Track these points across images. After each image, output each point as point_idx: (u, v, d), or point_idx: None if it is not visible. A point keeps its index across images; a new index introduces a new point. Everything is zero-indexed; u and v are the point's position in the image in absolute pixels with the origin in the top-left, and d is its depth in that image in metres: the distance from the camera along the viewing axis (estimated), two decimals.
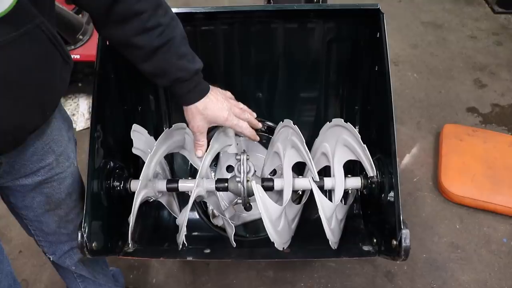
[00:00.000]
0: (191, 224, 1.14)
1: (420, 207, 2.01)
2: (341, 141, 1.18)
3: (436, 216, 1.97)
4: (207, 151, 1.19)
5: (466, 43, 2.98)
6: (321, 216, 1.06)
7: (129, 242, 1.16)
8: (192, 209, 1.12)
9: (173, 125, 1.24)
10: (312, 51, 1.42)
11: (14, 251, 1.90)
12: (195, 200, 1.17)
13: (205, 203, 1.52)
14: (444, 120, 2.39)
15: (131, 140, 1.19)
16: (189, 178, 1.24)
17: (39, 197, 1.02)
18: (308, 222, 1.39)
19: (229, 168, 1.52)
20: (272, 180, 1.18)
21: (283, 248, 1.14)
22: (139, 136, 1.23)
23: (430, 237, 1.89)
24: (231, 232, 1.17)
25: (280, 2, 1.96)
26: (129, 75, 1.35)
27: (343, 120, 1.18)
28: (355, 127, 1.15)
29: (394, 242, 1.00)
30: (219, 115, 1.07)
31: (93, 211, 1.03)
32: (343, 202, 1.27)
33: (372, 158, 1.11)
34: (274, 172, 1.44)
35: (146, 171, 1.12)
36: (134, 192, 1.12)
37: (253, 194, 1.10)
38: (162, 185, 1.19)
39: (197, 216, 1.51)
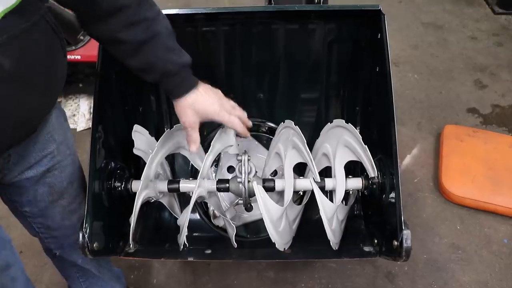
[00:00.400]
0: (192, 225, 1.14)
1: (420, 208, 2.01)
2: (342, 142, 1.18)
3: (437, 217, 1.97)
4: (208, 151, 1.19)
5: (467, 44, 2.98)
6: (322, 217, 1.06)
7: (130, 242, 1.16)
8: (193, 210, 1.12)
9: (174, 126, 1.24)
10: (313, 52, 1.42)
11: None
12: (196, 201, 1.17)
13: (206, 203, 1.52)
14: (444, 121, 2.39)
15: (132, 141, 1.20)
16: (190, 178, 1.24)
17: (42, 189, 1.02)
18: (309, 222, 1.40)
19: (230, 169, 1.52)
20: (273, 181, 1.18)
21: (284, 248, 1.14)
22: (140, 136, 1.23)
23: (431, 238, 1.89)
24: (232, 232, 1.17)
25: (281, 3, 1.96)
26: (130, 75, 1.34)
27: (344, 121, 1.18)
28: (356, 128, 1.15)
29: (395, 243, 1.00)
30: (209, 109, 1.05)
31: (94, 211, 1.04)
32: (344, 203, 1.27)
33: (373, 159, 1.11)
34: (275, 173, 1.44)
35: (147, 171, 1.12)
36: (135, 193, 1.12)
37: (254, 195, 1.10)
38: (163, 185, 1.19)
39: (198, 217, 1.51)
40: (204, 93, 1.04)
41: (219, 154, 1.38)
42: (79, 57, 2.26)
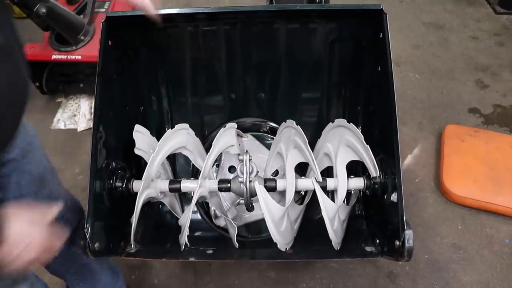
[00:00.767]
0: (193, 225, 1.14)
1: (422, 208, 2.01)
2: (344, 142, 1.18)
3: (438, 217, 1.97)
4: (210, 151, 1.19)
5: (468, 44, 2.97)
6: (324, 217, 1.06)
7: (132, 242, 1.16)
8: (194, 210, 1.12)
9: (175, 126, 1.24)
10: (314, 52, 1.41)
11: None
12: (197, 201, 1.17)
13: (207, 203, 1.52)
14: (446, 120, 2.39)
15: (133, 141, 1.19)
16: (192, 178, 1.24)
17: (27, 177, 0.99)
18: (310, 222, 1.39)
19: (231, 169, 1.52)
20: (275, 181, 1.17)
21: (286, 248, 1.14)
22: (141, 136, 1.23)
23: (432, 238, 1.89)
24: (233, 232, 1.17)
25: (282, 2, 1.95)
26: (131, 75, 1.35)
27: (345, 120, 1.18)
28: (357, 128, 1.15)
29: (397, 243, 1.00)
30: None
31: (95, 211, 1.03)
32: (345, 203, 1.27)
33: (375, 159, 1.11)
34: (276, 173, 1.44)
35: (149, 171, 1.12)
36: (136, 193, 1.12)
37: (256, 195, 1.10)
38: (164, 185, 1.19)
39: (200, 217, 1.51)
40: None
41: (220, 154, 1.38)
42: (79, 57, 2.25)
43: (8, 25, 0.81)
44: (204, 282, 1.77)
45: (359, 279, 1.76)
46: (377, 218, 1.24)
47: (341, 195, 1.15)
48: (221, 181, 1.18)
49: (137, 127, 1.22)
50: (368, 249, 1.18)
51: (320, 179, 1.14)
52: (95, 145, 1.07)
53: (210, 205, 1.48)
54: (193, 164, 1.40)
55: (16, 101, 0.84)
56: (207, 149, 1.23)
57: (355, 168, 1.34)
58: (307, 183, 1.16)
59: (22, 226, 0.79)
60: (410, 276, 1.76)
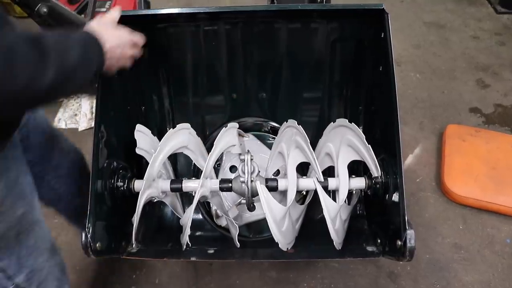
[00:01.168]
0: (194, 225, 1.14)
1: (423, 207, 2.01)
2: (345, 142, 1.18)
3: (439, 217, 1.97)
4: (211, 151, 1.19)
5: (469, 44, 2.97)
6: (325, 217, 1.06)
7: (133, 242, 1.16)
8: (195, 210, 1.12)
9: (177, 126, 1.24)
10: (315, 51, 1.41)
11: None
12: (198, 200, 1.17)
13: (208, 203, 1.52)
14: (447, 120, 2.39)
15: (135, 140, 1.19)
16: (193, 178, 1.24)
17: (41, 137, 1.12)
18: (312, 222, 1.39)
19: (233, 169, 1.52)
20: (276, 180, 1.17)
21: (287, 248, 1.14)
22: (142, 136, 1.23)
23: (433, 237, 1.89)
24: (235, 232, 1.17)
25: (283, 2, 1.95)
26: (133, 75, 1.35)
27: (347, 120, 1.18)
28: (359, 127, 1.15)
29: (399, 243, 1.00)
30: None
31: (97, 211, 1.04)
32: (347, 203, 1.27)
33: (376, 159, 1.11)
34: (277, 172, 1.44)
35: (150, 171, 1.12)
36: (137, 192, 1.12)
37: (257, 195, 1.10)
38: (166, 185, 1.19)
39: (201, 217, 1.51)
40: None
41: (221, 153, 1.37)
42: None
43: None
44: (205, 282, 1.76)
45: (360, 278, 1.76)
46: (379, 218, 1.24)
47: (342, 195, 1.15)
48: (222, 181, 1.18)
49: (139, 126, 1.22)
50: (369, 249, 1.18)
51: (322, 179, 1.14)
52: (97, 144, 1.07)
53: (211, 204, 1.48)
54: (194, 164, 1.40)
55: None
56: (209, 149, 1.23)
57: (357, 168, 1.34)
58: (309, 183, 1.15)
59: (112, 32, 0.93)
60: (411, 276, 1.76)
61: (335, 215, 1.11)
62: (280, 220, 1.11)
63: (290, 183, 1.15)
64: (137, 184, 1.18)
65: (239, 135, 1.43)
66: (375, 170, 1.12)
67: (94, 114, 1.09)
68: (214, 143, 1.20)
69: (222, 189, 1.18)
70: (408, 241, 0.97)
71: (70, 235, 1.85)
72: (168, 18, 1.25)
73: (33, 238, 1.00)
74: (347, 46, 1.39)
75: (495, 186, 1.96)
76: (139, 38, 1.04)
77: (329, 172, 1.27)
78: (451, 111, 2.47)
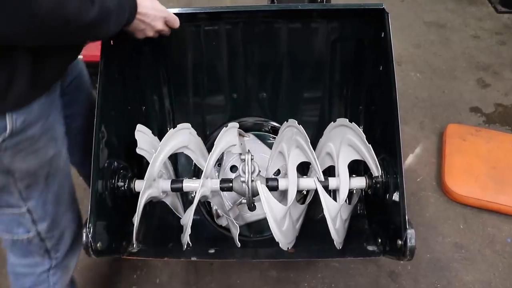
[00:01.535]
0: (195, 224, 1.14)
1: (423, 207, 2.01)
2: (345, 141, 1.18)
3: (440, 216, 1.97)
4: (212, 151, 1.19)
5: (469, 43, 2.97)
6: (326, 216, 1.06)
7: (133, 242, 1.16)
8: (196, 209, 1.12)
9: (177, 125, 1.24)
10: (316, 51, 1.41)
11: None
12: (199, 200, 1.17)
13: (209, 203, 1.52)
14: (447, 120, 2.39)
15: (135, 140, 1.19)
16: (193, 178, 1.24)
17: (82, 96, 1.24)
18: (312, 222, 1.39)
19: (233, 168, 1.52)
20: (277, 180, 1.17)
21: (288, 248, 1.14)
22: (143, 136, 1.23)
23: (434, 237, 1.89)
24: (235, 232, 1.17)
25: (283, 2, 1.95)
26: (133, 75, 1.35)
27: (347, 120, 1.18)
28: (359, 127, 1.15)
29: (399, 242, 1.00)
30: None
31: (97, 211, 1.04)
32: (347, 202, 1.27)
33: (376, 158, 1.11)
34: (278, 172, 1.44)
35: (151, 171, 1.12)
36: (138, 192, 1.12)
37: (258, 194, 1.10)
38: (166, 185, 1.19)
39: (201, 216, 1.51)
40: None
41: (222, 153, 1.38)
42: (81, 57, 2.25)
43: None
44: (205, 282, 1.77)
45: (361, 278, 1.76)
46: (379, 217, 1.25)
47: (343, 195, 1.15)
48: (223, 181, 1.18)
49: (139, 126, 1.22)
50: (370, 248, 1.18)
51: (322, 178, 1.14)
52: (97, 144, 1.07)
53: (212, 204, 1.48)
54: (195, 163, 1.40)
55: None
56: (209, 149, 1.23)
57: (357, 168, 1.34)
58: (309, 182, 1.16)
59: (150, 2, 1.03)
60: (412, 276, 1.76)
61: (335, 214, 1.11)
62: (281, 220, 1.11)
63: (291, 182, 1.15)
64: (138, 184, 1.18)
65: (240, 134, 1.43)
66: (376, 170, 1.12)
67: (95, 114, 1.09)
68: (215, 143, 1.20)
69: (222, 189, 1.18)
70: (408, 240, 0.97)
71: None
72: None
73: (57, 184, 1.08)
74: (347, 45, 1.39)
75: (495, 185, 1.96)
76: (173, 18, 1.12)
77: (329, 171, 1.27)
78: (451, 111, 2.47)
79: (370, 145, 1.10)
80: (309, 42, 1.39)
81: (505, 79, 2.67)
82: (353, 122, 1.16)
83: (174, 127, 1.25)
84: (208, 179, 1.17)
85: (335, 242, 1.12)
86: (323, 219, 1.07)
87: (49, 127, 0.98)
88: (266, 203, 1.06)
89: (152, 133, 1.29)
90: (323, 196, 1.07)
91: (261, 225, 1.49)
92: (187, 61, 1.43)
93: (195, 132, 1.32)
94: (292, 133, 1.24)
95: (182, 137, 1.25)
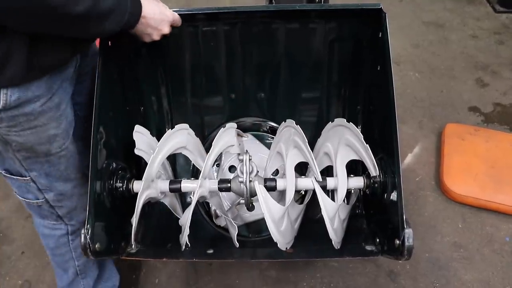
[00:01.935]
0: (193, 225, 1.14)
1: (422, 206, 2.01)
2: (343, 141, 1.18)
3: (439, 216, 1.97)
4: (210, 151, 1.19)
5: (468, 43, 2.97)
6: (323, 216, 1.06)
7: (132, 243, 1.16)
8: (194, 210, 1.12)
9: (175, 126, 1.24)
10: (314, 51, 1.42)
11: (17, 252, 1.90)
12: (197, 201, 1.17)
13: (207, 203, 1.52)
14: (446, 119, 2.39)
15: (134, 141, 1.20)
16: (192, 178, 1.24)
17: (91, 85, 1.19)
18: (310, 222, 1.39)
19: (231, 168, 1.52)
20: (275, 180, 1.18)
21: (286, 248, 1.14)
22: (141, 137, 1.23)
23: (433, 236, 1.89)
24: (234, 232, 1.17)
25: (281, 2, 1.95)
26: (132, 75, 1.35)
27: (345, 120, 1.18)
28: (357, 127, 1.15)
29: (397, 242, 1.00)
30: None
31: (96, 212, 1.04)
32: (345, 202, 1.27)
33: (374, 158, 1.11)
34: (276, 172, 1.44)
35: (149, 171, 1.12)
36: (136, 193, 1.12)
37: (256, 195, 1.10)
38: (165, 185, 1.19)
39: (200, 217, 1.51)
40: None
41: (220, 153, 1.38)
42: None
43: None
44: (204, 282, 1.77)
45: (360, 277, 1.76)
46: (377, 217, 1.25)
47: (341, 195, 1.15)
48: (221, 181, 1.18)
49: (137, 127, 1.22)
50: (368, 248, 1.18)
51: (320, 178, 1.14)
52: (95, 145, 1.07)
53: (210, 204, 1.48)
54: (193, 164, 1.40)
55: None
56: (207, 149, 1.23)
57: (355, 167, 1.34)
58: (307, 182, 1.16)
59: (154, 6, 1.04)
60: (411, 275, 1.76)
61: (333, 214, 1.11)
62: (279, 220, 1.11)
63: (289, 183, 1.15)
64: (136, 185, 1.18)
65: (238, 135, 1.43)
66: (373, 170, 1.12)
67: (93, 115, 1.09)
68: (213, 143, 1.21)
69: (221, 190, 1.18)
70: (406, 240, 0.97)
71: None
72: None
73: (64, 164, 1.12)
74: (345, 46, 1.39)
75: (494, 184, 1.96)
76: (178, 20, 1.15)
77: (327, 171, 1.28)
78: (450, 110, 2.47)
79: (367, 145, 1.10)
80: (307, 42, 1.39)
81: (504, 79, 2.67)
82: (351, 122, 1.16)
83: (173, 127, 1.25)
84: (206, 180, 1.17)
85: (333, 242, 1.12)
86: (322, 219, 1.07)
87: (51, 107, 0.98)
88: (264, 204, 1.06)
89: (151, 133, 1.29)
90: (321, 196, 1.08)
91: (260, 225, 1.49)
92: (185, 61, 1.43)
93: (193, 133, 1.32)
94: (290, 133, 1.24)
95: (180, 137, 1.26)
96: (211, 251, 1.20)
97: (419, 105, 2.52)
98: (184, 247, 1.15)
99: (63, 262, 1.37)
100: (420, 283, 1.74)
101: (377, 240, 1.18)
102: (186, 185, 1.19)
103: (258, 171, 1.18)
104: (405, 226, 0.97)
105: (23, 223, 2.00)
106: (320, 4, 1.92)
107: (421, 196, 2.05)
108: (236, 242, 1.17)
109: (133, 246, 1.18)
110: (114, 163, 1.17)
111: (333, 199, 1.17)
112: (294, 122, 1.21)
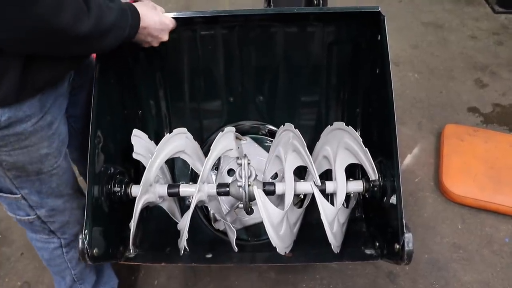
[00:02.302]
0: (192, 229, 1.14)
1: (421, 207, 2.01)
2: (342, 145, 1.18)
3: (438, 217, 1.97)
4: (208, 155, 1.18)
5: (467, 43, 2.97)
6: (323, 220, 1.06)
7: (130, 247, 1.16)
8: (193, 214, 1.12)
9: (174, 130, 1.24)
10: (312, 54, 1.41)
11: (16, 253, 1.90)
12: (196, 205, 1.16)
13: (206, 207, 1.51)
14: (445, 120, 2.39)
15: (132, 145, 1.19)
16: (190, 182, 1.24)
17: (86, 97, 1.20)
18: (310, 226, 1.39)
19: (230, 172, 1.52)
20: (274, 184, 1.17)
21: (285, 252, 1.14)
22: (139, 141, 1.23)
23: (432, 237, 1.89)
24: (232, 236, 1.17)
25: (280, 5, 1.95)
26: (130, 80, 1.35)
27: (344, 123, 1.18)
28: (356, 130, 1.15)
29: (397, 246, 1.00)
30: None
31: (94, 216, 1.03)
32: (345, 206, 1.27)
33: (373, 161, 1.11)
34: (275, 176, 1.44)
35: (147, 176, 1.12)
36: (135, 197, 1.12)
37: (255, 199, 1.10)
38: (163, 190, 1.18)
39: (199, 221, 1.51)
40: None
41: (219, 157, 1.37)
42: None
43: None
44: (204, 283, 1.77)
45: (359, 279, 1.76)
46: (377, 220, 1.25)
47: (340, 198, 1.15)
48: (219, 185, 1.18)
49: (135, 131, 1.22)
50: (368, 252, 1.18)
51: (319, 182, 1.14)
52: (93, 149, 1.07)
53: (209, 208, 1.48)
54: (191, 168, 1.40)
55: None
56: (206, 153, 1.22)
57: (354, 171, 1.34)
58: (306, 186, 1.15)
59: (153, 16, 1.05)
60: (410, 276, 1.76)
61: (332, 218, 1.11)
62: (278, 224, 1.11)
63: (288, 187, 1.15)
64: (134, 189, 1.18)
65: (237, 138, 1.43)
66: (372, 174, 1.12)
67: (90, 119, 1.09)
68: (211, 147, 1.20)
69: (219, 194, 1.18)
70: (406, 244, 0.97)
71: None
72: None
73: (56, 182, 1.10)
74: (344, 48, 1.39)
75: (493, 185, 1.96)
76: (174, 25, 1.16)
77: (326, 175, 1.27)
78: (449, 111, 2.47)
79: (367, 148, 1.10)
80: (306, 45, 1.39)
81: (503, 79, 2.67)
82: (349, 126, 1.16)
83: (171, 131, 1.25)
84: (204, 184, 1.17)
85: (332, 246, 1.12)
86: (321, 223, 1.07)
87: (43, 126, 0.97)
88: (263, 208, 1.06)
89: (149, 137, 1.29)
90: (320, 200, 1.07)
91: (259, 229, 1.49)
92: (183, 65, 1.43)
93: (192, 137, 1.31)
94: (288, 137, 1.23)
95: (179, 141, 1.25)
96: (210, 255, 1.20)
97: (418, 106, 2.52)
98: (182, 251, 1.15)
99: (59, 271, 1.37)
100: (419, 284, 1.74)
101: (377, 244, 1.17)
102: (185, 189, 1.18)
103: (257, 175, 1.17)
104: (405, 231, 0.97)
105: None
106: (318, 7, 1.91)
107: (420, 197, 2.05)
108: (235, 246, 1.17)
109: (131, 251, 1.18)
110: (112, 168, 1.17)
111: (332, 203, 1.17)
112: (293, 125, 1.21)
